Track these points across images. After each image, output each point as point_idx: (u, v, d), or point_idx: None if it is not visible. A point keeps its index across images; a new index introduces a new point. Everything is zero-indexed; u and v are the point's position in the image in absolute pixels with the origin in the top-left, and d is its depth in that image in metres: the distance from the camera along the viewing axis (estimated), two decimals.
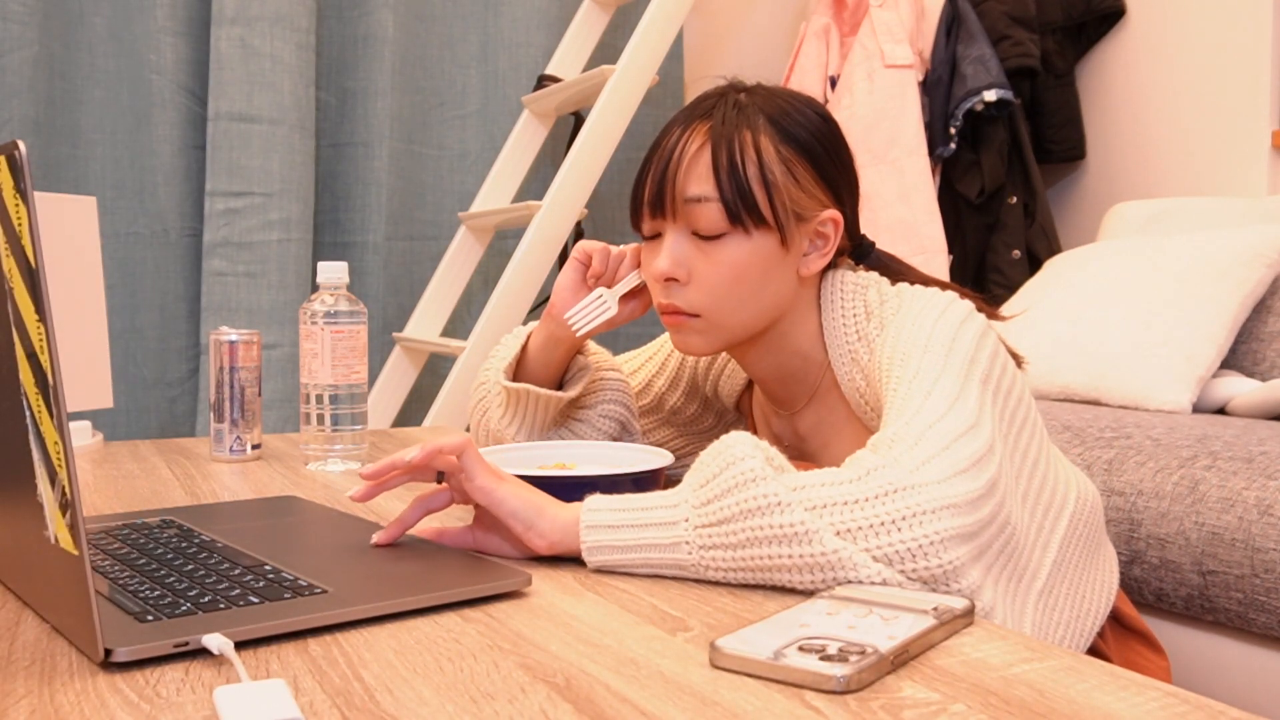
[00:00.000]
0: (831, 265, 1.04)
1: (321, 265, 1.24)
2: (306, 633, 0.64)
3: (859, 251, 1.06)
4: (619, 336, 2.84)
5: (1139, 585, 1.46)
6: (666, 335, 1.25)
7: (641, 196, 1.00)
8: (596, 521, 0.79)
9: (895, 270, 1.06)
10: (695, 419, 1.24)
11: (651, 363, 1.24)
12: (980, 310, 0.98)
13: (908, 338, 0.90)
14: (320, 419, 1.23)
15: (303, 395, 1.24)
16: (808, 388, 1.06)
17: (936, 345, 0.88)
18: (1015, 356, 0.98)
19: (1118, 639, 1.05)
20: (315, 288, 1.25)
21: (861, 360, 0.99)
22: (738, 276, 0.97)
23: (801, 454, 1.08)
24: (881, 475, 0.73)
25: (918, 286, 1.00)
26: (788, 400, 1.08)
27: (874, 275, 1.04)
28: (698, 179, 0.96)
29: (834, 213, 0.99)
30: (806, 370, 1.05)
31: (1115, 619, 1.06)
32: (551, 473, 0.93)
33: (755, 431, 1.17)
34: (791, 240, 0.98)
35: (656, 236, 1.01)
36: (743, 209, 0.95)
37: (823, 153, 0.99)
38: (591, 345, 1.18)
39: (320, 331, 1.22)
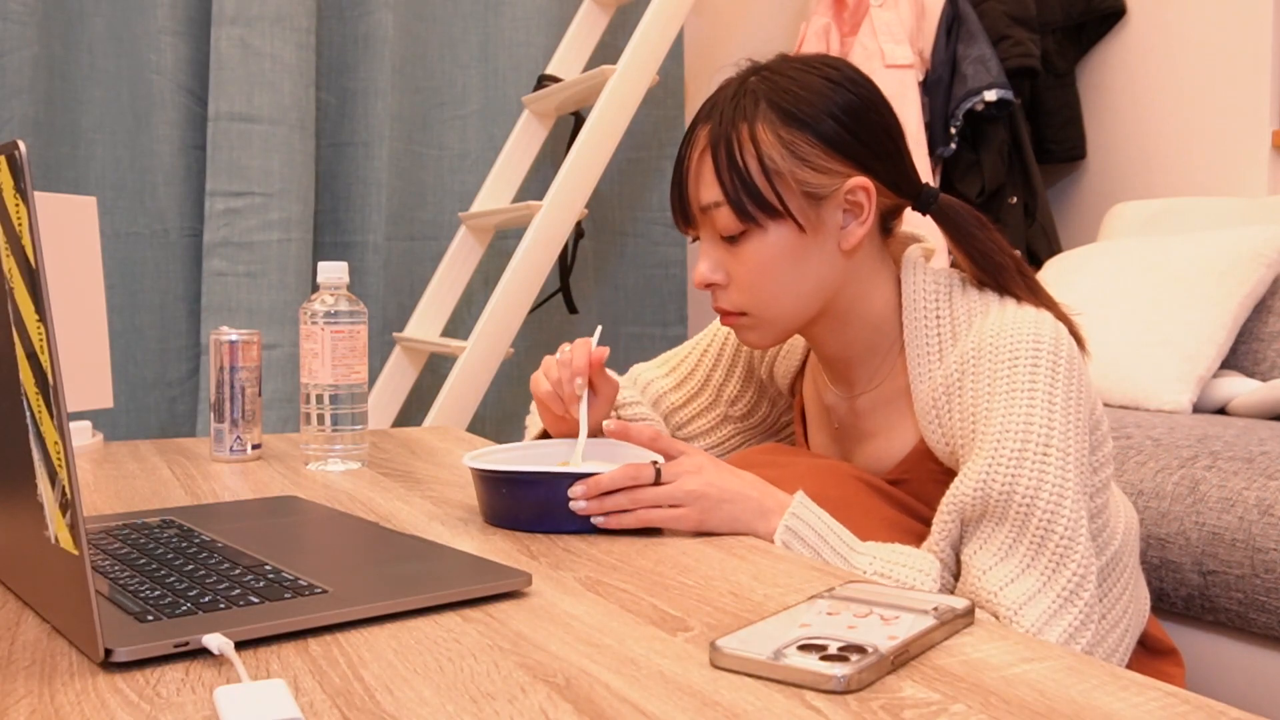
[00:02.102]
0: (886, 229, 1.03)
1: (322, 265, 1.24)
2: (306, 633, 0.64)
3: (921, 202, 1.03)
4: (638, 338, 2.85)
5: None
6: (712, 324, 1.26)
7: (673, 206, 1.02)
8: (799, 528, 0.88)
9: (961, 227, 1.01)
10: (751, 409, 1.24)
11: (708, 355, 1.25)
12: (1068, 323, 0.96)
13: (1021, 418, 0.88)
14: (321, 419, 1.23)
15: (303, 395, 1.24)
16: (872, 370, 1.04)
17: (1054, 446, 0.87)
18: (1079, 340, 0.97)
19: (1140, 664, 1.04)
20: (315, 288, 1.25)
21: (947, 382, 0.96)
22: (768, 271, 0.97)
23: (853, 432, 1.07)
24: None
25: (1008, 306, 0.96)
26: (851, 381, 1.06)
27: (955, 275, 1.02)
28: (706, 186, 0.97)
29: (860, 180, 0.96)
30: (876, 345, 1.03)
31: (1141, 642, 1.05)
32: (557, 469, 0.93)
33: (804, 415, 1.17)
34: (814, 222, 0.96)
35: (698, 239, 1.03)
36: (751, 207, 0.95)
37: (834, 125, 0.96)
38: (626, 394, 1.23)
39: (320, 331, 1.21)
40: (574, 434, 1.03)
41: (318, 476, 1.20)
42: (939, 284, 1.00)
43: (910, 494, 1.00)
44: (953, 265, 1.05)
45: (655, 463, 0.89)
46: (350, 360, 1.22)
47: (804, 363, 1.18)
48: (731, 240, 0.98)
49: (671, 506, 0.89)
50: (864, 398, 1.05)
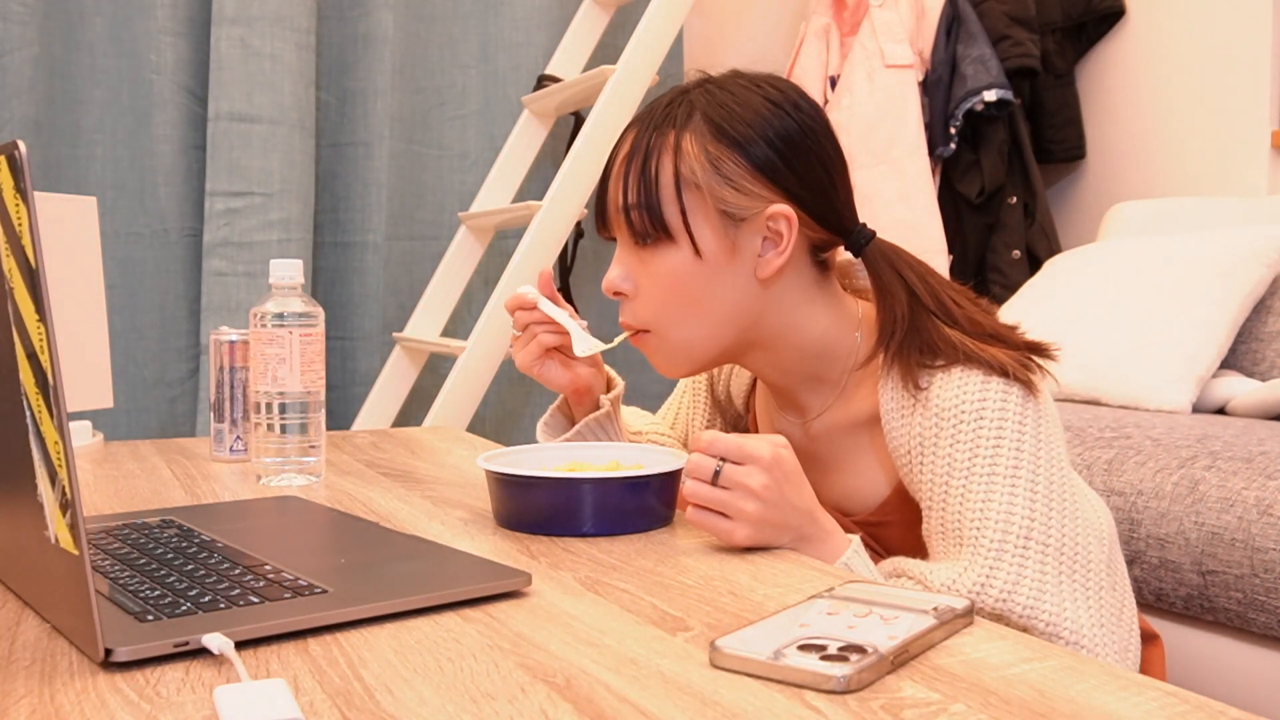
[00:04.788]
0: (822, 264, 0.99)
1: (274, 263, 1.16)
2: (306, 633, 0.64)
3: (852, 243, 0.98)
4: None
5: (1139, 585, 1.46)
6: None
7: (595, 207, 1.01)
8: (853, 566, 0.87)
9: (891, 275, 0.96)
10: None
11: (686, 393, 1.23)
12: (1029, 366, 0.90)
13: (995, 513, 0.86)
14: (284, 429, 1.13)
15: (255, 405, 1.14)
16: (821, 396, 1.01)
17: (1034, 539, 0.86)
18: (1046, 348, 0.93)
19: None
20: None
21: (913, 445, 0.93)
22: (674, 287, 0.95)
23: (814, 461, 1.04)
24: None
25: (952, 376, 0.91)
26: (799, 406, 1.03)
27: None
28: (620, 188, 0.96)
29: (782, 208, 0.93)
30: (820, 373, 1.00)
31: None
32: (562, 474, 0.92)
33: (758, 432, 1.15)
34: (729, 245, 0.93)
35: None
36: (654, 216, 0.93)
37: (764, 148, 0.93)
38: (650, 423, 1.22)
39: (289, 335, 1.13)
40: (566, 378, 1.07)
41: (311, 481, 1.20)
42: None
43: (891, 536, 0.99)
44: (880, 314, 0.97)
45: (720, 459, 0.84)
46: (317, 365, 1.15)
47: (753, 382, 1.15)
48: (642, 248, 0.96)
49: (723, 515, 0.84)
50: (816, 423, 1.03)
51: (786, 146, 0.94)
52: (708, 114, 0.94)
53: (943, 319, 0.93)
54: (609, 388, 1.12)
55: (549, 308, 1.05)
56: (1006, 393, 0.89)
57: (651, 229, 0.94)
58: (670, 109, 0.96)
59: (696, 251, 0.93)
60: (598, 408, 1.10)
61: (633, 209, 0.95)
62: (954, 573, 0.86)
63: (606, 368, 1.13)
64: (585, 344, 1.04)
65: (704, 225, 0.93)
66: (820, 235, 0.97)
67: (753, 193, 0.93)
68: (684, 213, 0.93)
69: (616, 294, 0.99)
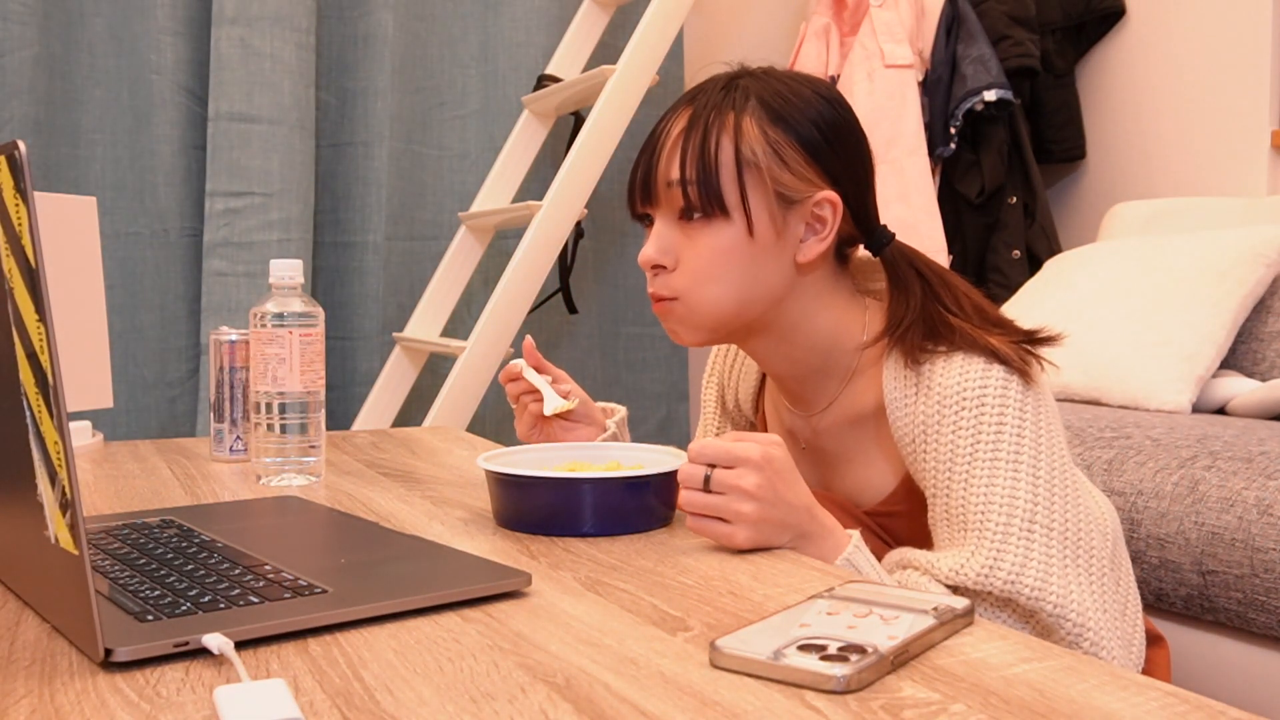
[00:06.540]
0: (844, 259, 1.02)
1: (274, 263, 1.16)
2: (306, 633, 0.64)
3: (874, 242, 1.01)
4: (638, 338, 2.84)
5: (1139, 585, 1.46)
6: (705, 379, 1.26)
7: (634, 182, 1.01)
8: (854, 563, 0.86)
9: (909, 277, 0.99)
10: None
11: (702, 421, 1.24)
12: (1027, 359, 0.92)
13: (999, 495, 0.88)
14: (284, 429, 1.13)
15: (256, 405, 1.14)
16: (828, 390, 1.02)
17: (1039, 523, 0.87)
18: (1051, 337, 0.95)
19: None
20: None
21: (915, 432, 0.94)
22: (719, 261, 0.96)
23: (824, 455, 1.05)
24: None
25: (954, 360, 0.92)
26: (806, 400, 1.04)
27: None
28: (676, 163, 0.97)
29: (829, 194, 0.96)
30: (826, 368, 1.01)
31: None
32: (562, 474, 0.92)
33: (765, 431, 1.16)
34: (778, 227, 0.95)
35: (651, 222, 1.01)
36: (711, 192, 0.94)
37: (817, 135, 0.96)
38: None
39: (289, 335, 1.13)
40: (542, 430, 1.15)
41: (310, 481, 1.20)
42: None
43: (900, 526, 1.00)
44: (890, 311, 0.99)
45: (710, 465, 0.84)
46: (317, 365, 1.15)
47: (761, 382, 1.16)
48: (689, 222, 0.97)
49: (721, 519, 0.84)
50: (822, 416, 1.04)
51: (835, 135, 0.97)
52: (763, 99, 0.96)
53: (952, 309, 0.96)
54: (611, 418, 1.18)
55: (531, 376, 1.13)
56: (1007, 381, 0.91)
57: (708, 204, 0.95)
58: (727, 92, 0.98)
59: (750, 230, 0.95)
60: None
61: (690, 184, 0.96)
62: (960, 559, 0.86)
63: (604, 404, 1.19)
64: (551, 404, 1.11)
65: (760, 205, 0.95)
66: (850, 230, 1.00)
67: (805, 177, 0.96)
68: (743, 191, 0.95)
69: (655, 267, 0.99)
